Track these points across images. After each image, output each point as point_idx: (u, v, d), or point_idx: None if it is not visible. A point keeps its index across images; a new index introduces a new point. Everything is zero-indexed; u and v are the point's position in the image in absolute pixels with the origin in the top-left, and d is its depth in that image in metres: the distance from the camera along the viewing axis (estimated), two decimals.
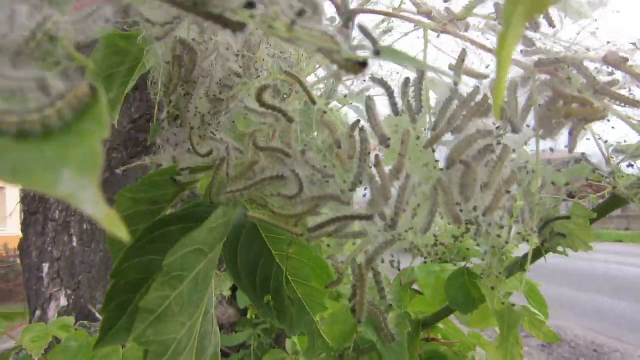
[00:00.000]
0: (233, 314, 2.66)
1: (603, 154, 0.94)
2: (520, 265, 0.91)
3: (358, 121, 0.76)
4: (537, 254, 1.09)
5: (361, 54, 0.50)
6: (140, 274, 0.77)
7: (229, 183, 0.77)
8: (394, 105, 0.78)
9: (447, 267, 1.55)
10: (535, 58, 0.79)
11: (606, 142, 0.77)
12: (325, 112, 0.79)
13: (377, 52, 0.41)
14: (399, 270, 0.70)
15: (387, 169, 0.76)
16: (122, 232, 0.28)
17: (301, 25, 0.36)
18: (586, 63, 0.76)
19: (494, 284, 0.68)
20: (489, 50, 0.83)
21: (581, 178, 0.98)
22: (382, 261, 0.72)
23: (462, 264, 1.07)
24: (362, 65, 0.36)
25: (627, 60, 0.72)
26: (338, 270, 0.74)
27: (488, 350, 1.42)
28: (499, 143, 0.68)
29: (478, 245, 0.68)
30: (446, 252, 0.69)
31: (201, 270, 0.69)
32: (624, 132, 0.84)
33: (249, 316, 2.60)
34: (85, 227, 2.50)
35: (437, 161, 0.70)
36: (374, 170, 0.75)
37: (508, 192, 0.65)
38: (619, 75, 0.77)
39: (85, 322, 1.93)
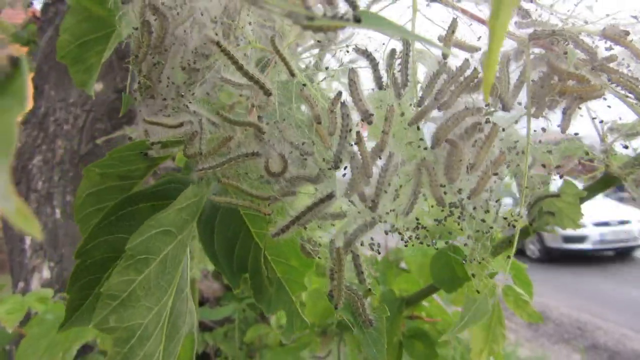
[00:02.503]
0: (218, 288, 2.65)
1: (598, 132, 0.90)
2: (506, 245, 0.88)
3: (339, 94, 0.72)
4: (525, 232, 1.06)
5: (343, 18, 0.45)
6: (107, 253, 0.73)
7: (201, 160, 0.72)
8: (378, 78, 0.73)
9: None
10: (530, 30, 0.75)
11: (602, 121, 0.73)
12: (304, 85, 0.74)
13: (357, 19, 0.36)
14: (379, 253, 0.67)
15: (370, 146, 0.72)
16: (34, 229, 0.23)
17: None
18: (583, 37, 0.72)
19: (476, 270, 0.65)
20: (481, 21, 0.78)
21: (573, 158, 0.95)
22: (362, 244, 0.69)
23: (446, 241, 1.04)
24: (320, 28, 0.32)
25: (627, 34, 0.67)
26: (313, 253, 0.70)
27: (474, 327, 1.41)
28: (487, 121, 0.63)
29: (461, 229, 0.64)
30: (428, 236, 0.65)
31: (169, 252, 0.65)
32: (619, 111, 0.80)
33: (234, 291, 2.59)
34: (68, 198, 2.44)
35: (421, 139, 0.66)
36: (355, 148, 0.71)
37: (495, 174, 0.61)
38: (617, 50, 0.73)
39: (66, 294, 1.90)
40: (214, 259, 0.93)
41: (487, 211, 0.62)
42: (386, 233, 0.67)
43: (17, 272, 2.36)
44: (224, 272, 0.93)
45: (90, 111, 2.51)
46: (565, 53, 0.64)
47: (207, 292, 2.62)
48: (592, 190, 0.97)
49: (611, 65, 0.69)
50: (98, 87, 2.60)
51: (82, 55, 1.21)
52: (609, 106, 0.69)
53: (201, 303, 2.63)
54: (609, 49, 0.72)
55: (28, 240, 2.37)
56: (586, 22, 0.71)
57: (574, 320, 7.27)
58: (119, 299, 0.59)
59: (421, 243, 0.64)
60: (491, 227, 0.63)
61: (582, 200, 0.96)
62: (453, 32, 0.71)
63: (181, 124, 0.77)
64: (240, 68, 0.70)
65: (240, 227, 0.96)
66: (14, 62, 0.30)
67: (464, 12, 0.76)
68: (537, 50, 0.74)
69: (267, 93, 0.71)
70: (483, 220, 0.63)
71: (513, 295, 1.27)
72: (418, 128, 0.66)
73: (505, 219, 0.63)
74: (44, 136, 2.44)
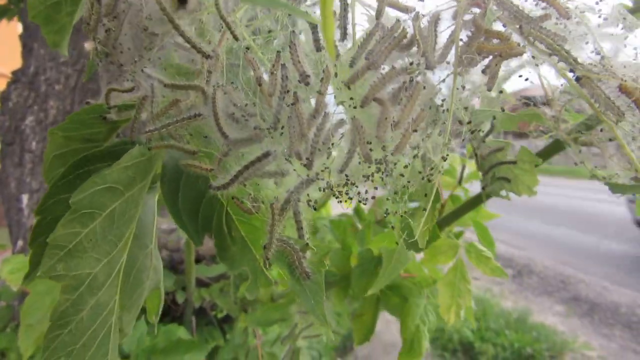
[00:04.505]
0: (213, 247, 2.73)
1: (547, 96, 0.92)
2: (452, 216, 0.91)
3: (278, 54, 0.74)
4: (477, 198, 1.09)
5: None
6: (66, 210, 0.78)
7: (149, 122, 0.76)
8: (316, 40, 0.75)
9: None
10: None
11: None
12: (248, 49, 0.76)
13: None
14: (315, 209, 0.71)
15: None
16: None
17: None
18: None
19: (397, 223, 0.69)
20: None
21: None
22: (299, 200, 0.73)
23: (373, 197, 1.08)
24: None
25: None
26: (250, 210, 0.74)
27: (439, 284, 1.47)
28: (411, 80, 0.66)
29: (385, 184, 0.68)
30: (360, 193, 0.69)
31: (116, 208, 0.70)
32: None
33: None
34: None
35: (351, 99, 0.69)
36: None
37: (415, 130, 0.64)
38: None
39: None
40: (178, 217, 0.97)
41: (405, 166, 0.66)
42: (321, 190, 0.71)
43: (16, 230, 2.45)
44: (187, 231, 0.98)
45: (82, 71, 2.52)
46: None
47: (203, 250, 2.70)
48: (543, 155, 0.99)
49: (545, 23, 0.71)
50: (90, 46, 2.60)
51: (54, 16, 1.23)
52: (536, 64, 0.70)
53: (197, 261, 2.71)
54: (545, 8, 0.73)
55: (25, 199, 2.45)
56: None
57: (557, 274, 7.43)
58: (66, 249, 0.64)
59: (351, 198, 0.68)
60: (408, 182, 0.66)
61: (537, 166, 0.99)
62: None
63: (132, 89, 0.80)
64: (177, 29, 0.73)
65: (206, 187, 1.00)
66: None
67: None
68: (476, 10, 0.76)
69: (205, 56, 0.73)
70: (402, 175, 0.66)
71: (474, 251, 1.31)
72: (349, 88, 0.69)
73: (419, 173, 0.67)
74: (35, 96, 2.47)
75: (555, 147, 0.95)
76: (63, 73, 2.54)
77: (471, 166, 1.46)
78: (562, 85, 0.85)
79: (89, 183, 0.67)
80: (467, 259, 1.33)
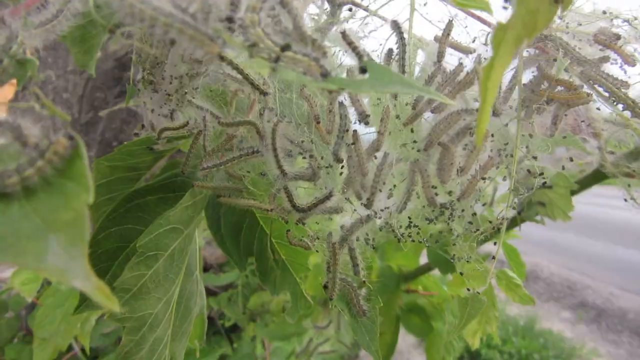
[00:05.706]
0: (221, 255, 2.72)
1: (594, 130, 0.92)
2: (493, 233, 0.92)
3: (336, 92, 0.74)
4: (512, 222, 1.10)
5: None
6: (117, 243, 0.78)
7: (205, 158, 0.75)
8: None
9: None
10: None
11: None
12: (304, 85, 0.76)
13: (363, 70, 0.39)
14: (374, 248, 0.71)
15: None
16: (113, 304, 0.27)
17: (288, 53, 0.35)
18: (576, 39, 0.74)
19: (463, 268, 0.69)
20: (477, 18, 0.79)
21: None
22: (357, 239, 0.73)
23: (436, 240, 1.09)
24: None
25: (618, 38, 0.69)
26: (310, 246, 0.74)
27: None
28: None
29: (451, 229, 0.68)
30: (420, 234, 0.69)
31: (177, 247, 0.70)
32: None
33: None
34: None
35: (415, 142, 0.69)
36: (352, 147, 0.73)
37: (483, 178, 0.64)
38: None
39: None
40: (222, 243, 0.97)
41: (474, 214, 0.66)
42: (380, 229, 0.71)
43: None
44: (231, 256, 0.98)
45: (90, 79, 2.50)
46: (556, 60, 0.67)
47: (211, 258, 2.69)
48: (582, 184, 1.00)
49: (605, 64, 0.71)
50: (96, 55, 2.57)
51: (83, 37, 1.22)
52: (598, 108, 0.71)
53: (205, 269, 2.70)
54: (603, 49, 0.73)
55: None
56: (580, 24, 0.73)
57: (563, 279, 7.45)
58: (131, 292, 0.63)
59: (413, 241, 0.68)
60: (478, 229, 0.67)
61: (573, 193, 1.00)
62: (449, 34, 0.72)
63: (186, 123, 0.80)
64: (236, 68, 0.72)
65: (246, 212, 1.00)
66: (72, 142, 0.32)
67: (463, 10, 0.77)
68: (532, 51, 0.76)
69: (263, 93, 0.73)
70: (470, 222, 0.67)
71: (505, 279, 1.31)
72: (412, 130, 0.69)
73: (490, 222, 0.67)
74: (43, 105, 2.44)
75: (595, 177, 0.96)
76: (70, 81, 2.52)
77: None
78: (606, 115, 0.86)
79: (155, 226, 0.67)
80: (497, 285, 1.34)
